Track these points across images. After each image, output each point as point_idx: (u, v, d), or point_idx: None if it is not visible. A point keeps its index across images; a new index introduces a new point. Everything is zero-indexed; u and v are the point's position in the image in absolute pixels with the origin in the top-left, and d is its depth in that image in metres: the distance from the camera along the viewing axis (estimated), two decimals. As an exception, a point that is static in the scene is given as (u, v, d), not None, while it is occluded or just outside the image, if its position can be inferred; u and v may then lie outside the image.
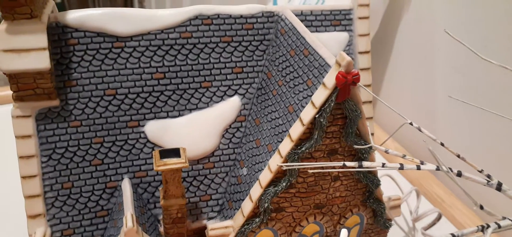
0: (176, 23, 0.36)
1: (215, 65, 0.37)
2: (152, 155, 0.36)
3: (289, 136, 0.31)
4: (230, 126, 0.38)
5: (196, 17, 0.36)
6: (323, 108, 0.29)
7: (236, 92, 0.38)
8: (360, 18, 0.40)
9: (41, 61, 0.31)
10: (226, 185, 0.38)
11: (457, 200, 0.54)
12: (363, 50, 0.40)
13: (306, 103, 0.31)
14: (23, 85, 0.32)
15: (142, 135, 0.36)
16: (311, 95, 0.31)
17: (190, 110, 0.37)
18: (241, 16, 0.37)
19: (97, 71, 0.34)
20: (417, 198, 0.50)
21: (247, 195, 0.34)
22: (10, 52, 0.30)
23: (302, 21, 0.37)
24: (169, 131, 0.36)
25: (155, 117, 0.36)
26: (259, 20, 0.38)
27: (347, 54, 0.40)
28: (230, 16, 0.37)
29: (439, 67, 0.58)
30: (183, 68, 0.36)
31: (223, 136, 0.38)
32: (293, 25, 0.36)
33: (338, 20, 0.40)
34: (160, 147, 0.36)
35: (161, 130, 0.36)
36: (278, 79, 0.36)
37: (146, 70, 0.35)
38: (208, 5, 0.37)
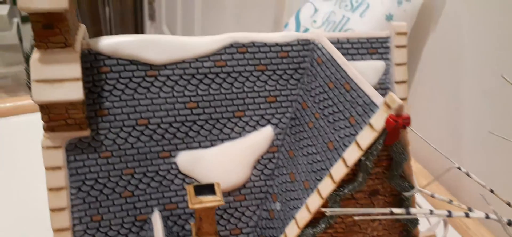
0: (211, 51, 0.35)
1: (249, 94, 0.36)
2: (182, 187, 0.35)
3: (331, 176, 0.30)
4: (262, 157, 0.36)
5: (231, 45, 0.35)
6: (369, 151, 0.28)
7: (269, 122, 0.37)
8: (397, 46, 0.39)
9: (75, 92, 0.30)
10: (257, 218, 0.36)
11: None
12: (400, 80, 0.39)
13: (349, 142, 0.30)
14: (54, 116, 0.31)
15: (174, 166, 0.35)
16: (354, 134, 0.30)
17: (222, 140, 0.36)
18: (276, 44, 0.36)
19: (129, 100, 0.33)
20: (445, 228, 0.48)
21: (281, 233, 0.33)
22: (43, 83, 0.29)
23: (338, 49, 0.36)
24: (201, 161, 0.35)
25: (187, 148, 0.35)
26: (294, 48, 0.37)
27: (383, 83, 0.39)
28: (265, 45, 0.36)
29: (467, 91, 0.57)
30: (217, 98, 0.35)
31: (255, 167, 0.36)
32: (331, 55, 0.35)
33: (374, 48, 0.39)
34: (191, 178, 0.35)
35: (192, 161, 0.35)
36: (314, 111, 0.35)
37: (179, 99, 0.34)
38: (243, 33, 0.35)
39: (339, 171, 0.29)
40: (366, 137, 0.28)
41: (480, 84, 0.55)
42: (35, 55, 0.29)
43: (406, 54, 0.39)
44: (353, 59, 0.38)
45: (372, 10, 0.59)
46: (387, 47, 0.39)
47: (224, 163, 0.36)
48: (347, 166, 0.29)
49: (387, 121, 0.26)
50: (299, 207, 0.32)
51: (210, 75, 0.35)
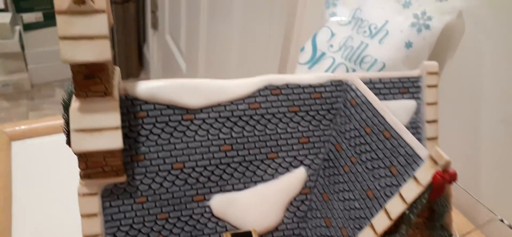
0: (246, 94, 0.34)
1: (282, 136, 0.36)
2: (216, 230, 0.35)
3: (372, 227, 0.30)
4: (294, 198, 0.36)
5: (265, 88, 0.35)
6: (414, 204, 0.28)
7: (301, 163, 0.36)
8: (428, 86, 0.39)
9: (114, 141, 0.29)
10: (290, 261, 0.36)
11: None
12: (431, 119, 0.39)
13: (391, 193, 0.29)
14: (92, 164, 0.30)
15: (207, 209, 0.34)
16: (396, 185, 0.29)
17: (256, 182, 0.35)
18: (310, 86, 0.36)
19: (165, 144, 0.33)
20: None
21: (317, 278, 0.33)
22: (83, 132, 0.29)
23: (370, 89, 0.36)
24: (234, 204, 0.35)
25: (220, 191, 0.35)
26: (327, 89, 0.36)
27: (414, 122, 0.39)
28: (299, 86, 0.36)
29: (486, 119, 0.57)
30: (250, 140, 0.35)
31: (287, 209, 0.36)
32: (366, 98, 0.34)
33: (406, 88, 0.39)
34: (225, 221, 0.35)
35: (226, 204, 0.35)
36: (350, 155, 0.34)
37: (214, 142, 0.34)
38: (278, 75, 0.35)
39: (381, 222, 0.29)
40: (410, 190, 0.28)
41: (499, 113, 0.55)
42: (75, 104, 0.29)
43: (437, 94, 0.39)
44: (385, 99, 0.38)
45: (392, 37, 0.59)
46: (418, 87, 0.39)
47: (257, 205, 0.35)
48: (390, 218, 0.29)
49: (435, 178, 0.26)
50: (336, 254, 0.32)
51: (244, 118, 0.35)
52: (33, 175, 0.58)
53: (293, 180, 0.36)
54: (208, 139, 0.34)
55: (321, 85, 0.36)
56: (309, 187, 0.37)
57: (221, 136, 0.34)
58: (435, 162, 0.27)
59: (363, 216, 0.31)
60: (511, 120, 0.55)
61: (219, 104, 0.34)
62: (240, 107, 0.34)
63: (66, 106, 0.30)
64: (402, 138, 0.30)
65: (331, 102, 0.37)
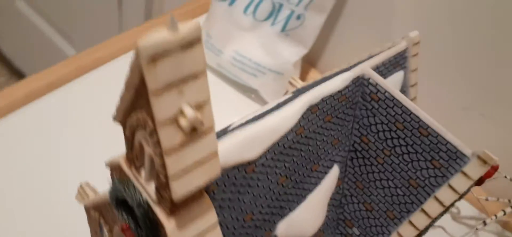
0: (294, 124, 0.34)
1: (320, 146, 0.37)
2: (282, 252, 0.36)
3: (424, 211, 0.36)
4: (332, 193, 0.40)
5: (307, 110, 0.35)
6: (463, 193, 0.34)
7: (334, 161, 0.39)
8: (413, 55, 0.43)
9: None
10: (335, 244, 0.41)
11: None
12: (413, 84, 0.45)
13: (437, 183, 0.35)
14: (187, 262, 0.28)
15: (274, 239, 0.35)
16: (440, 176, 0.35)
17: (305, 196, 0.37)
18: (339, 92, 0.37)
19: (236, 203, 0.31)
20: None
21: (368, 255, 0.39)
22: (184, 244, 0.26)
23: (378, 72, 0.39)
24: (293, 223, 0.36)
25: (281, 218, 0.36)
26: (349, 88, 0.38)
27: (402, 89, 0.44)
28: (332, 97, 0.36)
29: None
30: (299, 162, 0.36)
31: (328, 204, 0.40)
32: (391, 94, 0.37)
33: (397, 62, 0.43)
34: (287, 240, 0.37)
35: (287, 226, 0.36)
36: (381, 148, 0.38)
37: (272, 179, 0.34)
38: (314, 92, 0.35)
39: (434, 209, 0.35)
40: (461, 184, 0.34)
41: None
42: (170, 224, 0.25)
43: (417, 61, 0.44)
44: (385, 78, 0.42)
45: None
46: (405, 57, 0.43)
47: (309, 214, 0.38)
48: (443, 205, 0.35)
49: (488, 173, 0.33)
50: (385, 233, 0.38)
51: (293, 146, 0.35)
52: None
53: (331, 180, 0.39)
54: (268, 178, 0.33)
55: (346, 87, 0.37)
56: (340, 178, 0.40)
57: (277, 171, 0.34)
58: (485, 162, 0.33)
59: (409, 201, 0.37)
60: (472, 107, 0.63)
61: (273, 144, 0.33)
62: (289, 137, 0.34)
63: (138, 221, 0.26)
64: (441, 136, 0.35)
65: (352, 98, 0.39)
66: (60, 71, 0.66)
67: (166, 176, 0.22)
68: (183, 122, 0.20)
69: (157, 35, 0.18)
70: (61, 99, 0.63)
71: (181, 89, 0.20)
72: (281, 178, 0.34)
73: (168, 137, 0.20)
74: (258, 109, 0.44)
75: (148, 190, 0.25)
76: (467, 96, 0.63)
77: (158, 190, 0.24)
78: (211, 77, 0.73)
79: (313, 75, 0.78)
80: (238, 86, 0.72)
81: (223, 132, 0.33)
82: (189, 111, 0.20)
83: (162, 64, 0.19)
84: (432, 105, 0.64)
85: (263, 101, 0.70)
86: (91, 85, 0.66)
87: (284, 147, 0.34)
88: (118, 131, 0.63)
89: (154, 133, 0.21)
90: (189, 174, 0.22)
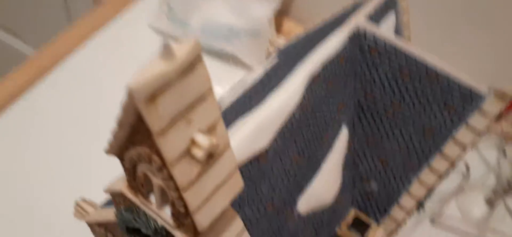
0: (299, 100, 0.32)
1: (326, 113, 0.35)
2: (312, 226, 0.36)
3: (443, 155, 0.35)
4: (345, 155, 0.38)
5: (310, 81, 0.33)
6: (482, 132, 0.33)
7: (341, 124, 0.37)
8: (402, -5, 0.41)
9: None
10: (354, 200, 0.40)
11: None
12: (406, 20, 0.42)
13: (453, 126, 0.34)
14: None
15: (297, 216, 0.35)
16: (457, 120, 0.34)
17: (319, 166, 0.36)
18: (337, 54, 0.35)
19: (255, 197, 0.30)
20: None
21: (389, 205, 0.38)
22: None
23: (371, 22, 0.37)
24: (312, 193, 0.36)
25: (301, 194, 0.34)
26: (347, 48, 0.36)
27: (396, 30, 0.42)
28: (332, 61, 0.34)
29: None
30: (309, 136, 0.34)
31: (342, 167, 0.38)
32: (391, 45, 0.35)
33: (388, 5, 0.40)
34: (311, 212, 0.36)
35: (308, 200, 0.35)
36: (389, 101, 0.37)
37: (286, 161, 0.32)
38: (314, 59, 0.33)
39: (453, 151, 0.34)
40: (479, 122, 0.33)
41: None
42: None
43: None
44: (378, 25, 0.39)
45: None
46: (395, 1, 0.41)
47: (326, 182, 0.37)
48: (464, 147, 0.34)
49: (508, 108, 0.31)
50: (405, 183, 0.37)
51: (301, 123, 0.33)
52: None
53: (342, 143, 0.38)
54: (282, 162, 0.32)
55: (344, 48, 0.35)
56: (350, 138, 0.39)
57: (290, 152, 0.32)
58: (502, 97, 0.31)
59: (426, 149, 0.36)
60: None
61: (281, 127, 0.31)
62: (297, 116, 0.32)
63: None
64: (452, 79, 0.33)
65: (351, 57, 0.36)
66: (21, 78, 0.62)
67: (185, 207, 0.20)
68: (198, 153, 0.18)
69: (152, 70, 0.15)
70: (27, 108, 0.60)
71: (189, 118, 0.17)
72: (295, 157, 0.33)
73: (183, 172, 0.18)
74: (244, 77, 0.42)
75: (162, 216, 0.23)
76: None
77: (175, 216, 0.22)
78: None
79: (289, 27, 0.75)
80: (213, 54, 0.68)
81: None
82: (203, 140, 0.18)
83: (163, 99, 0.16)
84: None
85: (243, 65, 0.67)
86: (54, 87, 0.62)
87: (292, 126, 0.32)
88: (92, 131, 0.60)
89: (163, 168, 0.18)
90: (211, 200, 0.20)
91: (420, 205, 0.37)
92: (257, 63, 0.65)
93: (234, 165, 0.21)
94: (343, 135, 0.38)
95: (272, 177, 0.31)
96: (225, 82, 0.53)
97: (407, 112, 0.36)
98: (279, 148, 0.31)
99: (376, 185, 0.39)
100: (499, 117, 0.33)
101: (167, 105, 0.16)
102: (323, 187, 0.36)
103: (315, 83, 0.33)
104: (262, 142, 0.29)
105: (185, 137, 0.17)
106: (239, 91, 0.37)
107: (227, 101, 0.36)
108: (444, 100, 0.34)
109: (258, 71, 0.40)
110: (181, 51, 0.16)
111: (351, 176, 0.40)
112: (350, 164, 0.39)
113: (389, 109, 0.37)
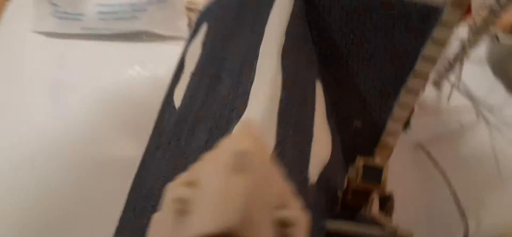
0: (280, 80, 0.30)
1: (302, 80, 0.34)
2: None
3: (418, 74, 0.36)
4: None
5: (283, 56, 0.31)
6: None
7: (314, 80, 0.37)
8: None
9: None
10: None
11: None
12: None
13: (419, 46, 0.35)
14: None
15: (311, 186, 0.34)
16: (421, 38, 0.35)
17: (312, 129, 0.35)
18: (292, 14, 0.33)
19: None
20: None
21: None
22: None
23: None
24: (315, 158, 0.35)
25: (308, 164, 0.34)
26: (297, 3, 0.34)
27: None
28: (290, 25, 0.32)
29: None
30: (298, 113, 0.33)
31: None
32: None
33: None
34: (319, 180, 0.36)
35: (314, 165, 0.35)
36: (350, 41, 0.36)
37: (290, 148, 0.31)
38: (277, 30, 0.31)
39: (425, 67, 0.36)
40: (443, 33, 0.34)
41: None
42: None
43: None
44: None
45: None
46: None
47: (320, 141, 0.36)
48: (434, 61, 0.35)
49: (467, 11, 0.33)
50: (387, 112, 0.38)
51: (289, 103, 0.31)
52: None
53: (320, 97, 0.37)
54: (287, 151, 0.31)
55: (294, 4, 0.33)
56: (324, 90, 0.38)
57: (290, 137, 0.31)
58: (459, 4, 0.33)
59: (399, 74, 0.37)
60: None
61: (278, 118, 0.30)
62: (283, 97, 0.31)
63: None
64: (406, 1, 0.34)
65: (302, 11, 0.35)
66: None
67: None
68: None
69: None
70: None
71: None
72: (292, 138, 0.32)
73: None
74: (181, 56, 0.38)
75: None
76: None
77: None
78: (86, 44, 0.60)
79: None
80: (122, 38, 0.60)
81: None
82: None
83: None
84: None
85: (160, 37, 0.60)
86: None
87: (287, 107, 0.31)
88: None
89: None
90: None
91: (406, 124, 0.38)
92: (175, 31, 0.59)
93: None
94: (319, 89, 0.37)
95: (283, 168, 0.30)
96: (149, 63, 0.49)
97: (371, 46, 0.36)
98: (282, 139, 0.30)
99: (359, 122, 0.40)
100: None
101: None
102: (320, 146, 0.36)
103: (286, 55, 0.32)
104: (270, 139, 0.28)
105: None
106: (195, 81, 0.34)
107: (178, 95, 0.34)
108: (404, 24, 0.35)
109: (193, 46, 0.37)
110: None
111: (335, 122, 0.40)
112: (331, 112, 0.39)
113: (352, 49, 0.37)
